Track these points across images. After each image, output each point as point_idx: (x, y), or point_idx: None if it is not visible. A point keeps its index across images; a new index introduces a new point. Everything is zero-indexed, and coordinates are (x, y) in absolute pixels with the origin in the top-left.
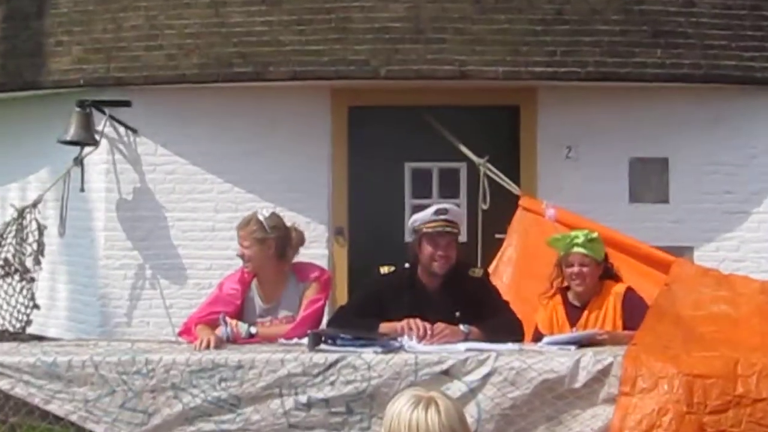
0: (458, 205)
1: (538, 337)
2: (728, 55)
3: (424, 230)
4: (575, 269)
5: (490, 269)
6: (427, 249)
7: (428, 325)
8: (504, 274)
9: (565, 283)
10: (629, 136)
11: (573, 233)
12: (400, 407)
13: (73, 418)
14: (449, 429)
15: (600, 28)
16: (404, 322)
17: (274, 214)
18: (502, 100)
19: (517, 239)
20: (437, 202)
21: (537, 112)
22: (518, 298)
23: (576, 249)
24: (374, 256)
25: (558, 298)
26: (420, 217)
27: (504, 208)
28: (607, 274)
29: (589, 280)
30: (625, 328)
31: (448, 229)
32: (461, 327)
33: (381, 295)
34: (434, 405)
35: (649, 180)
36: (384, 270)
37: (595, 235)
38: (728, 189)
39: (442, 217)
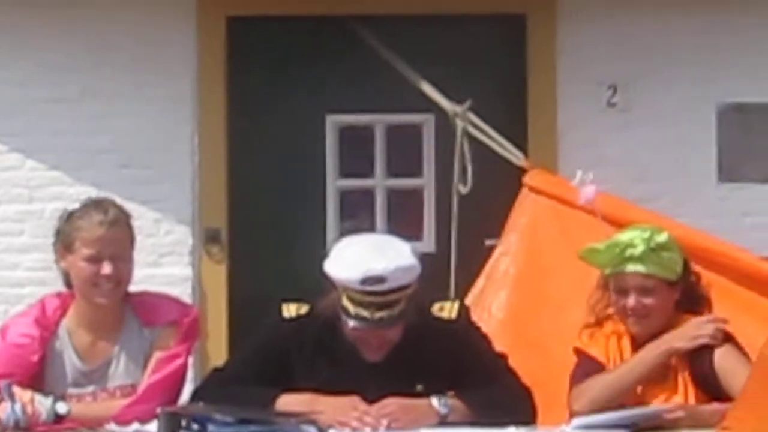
0: (420, 190)
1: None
2: None
3: (344, 304)
4: (631, 300)
5: (471, 298)
6: (348, 328)
7: (372, 411)
8: (494, 301)
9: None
10: (718, 68)
11: (624, 236)
12: None
13: None
14: None
15: None
16: (327, 403)
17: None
18: (497, 6)
19: (519, 242)
20: (384, 183)
21: (556, 28)
22: (520, 340)
23: (631, 266)
24: (273, 281)
25: (618, 326)
26: (340, 276)
27: (498, 191)
28: (690, 300)
29: (656, 317)
30: (712, 397)
31: (384, 314)
32: (434, 402)
33: (285, 352)
34: None
35: (752, 144)
36: (290, 310)
37: (664, 237)
38: None
39: (375, 288)
